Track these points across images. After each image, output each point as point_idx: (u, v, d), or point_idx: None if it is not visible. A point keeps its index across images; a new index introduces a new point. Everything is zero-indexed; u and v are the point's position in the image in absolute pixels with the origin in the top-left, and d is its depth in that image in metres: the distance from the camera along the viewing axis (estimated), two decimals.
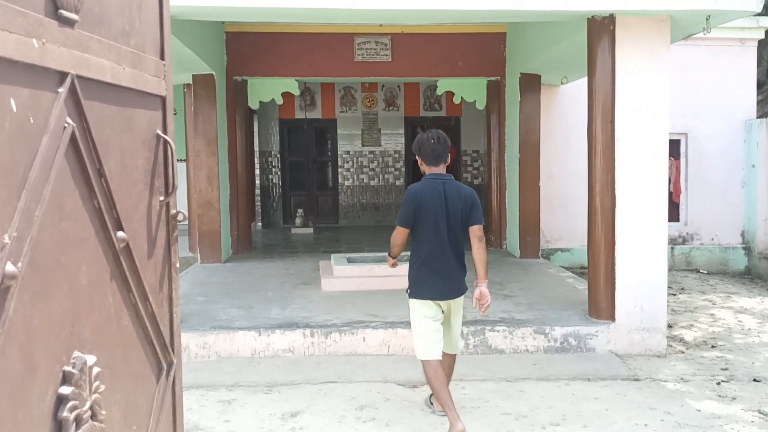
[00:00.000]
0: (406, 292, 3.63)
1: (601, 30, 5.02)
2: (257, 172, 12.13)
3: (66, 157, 1.38)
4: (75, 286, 1.41)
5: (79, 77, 1.41)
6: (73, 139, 1.39)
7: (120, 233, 1.57)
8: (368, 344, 4.99)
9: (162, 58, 1.87)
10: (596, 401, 4.16)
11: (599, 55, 5.07)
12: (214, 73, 7.83)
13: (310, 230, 11.32)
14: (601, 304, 5.19)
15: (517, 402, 4.12)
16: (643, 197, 5.09)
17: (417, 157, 3.64)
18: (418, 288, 3.53)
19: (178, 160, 9.56)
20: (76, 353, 1.40)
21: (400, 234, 3.55)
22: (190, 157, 8.33)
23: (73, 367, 1.37)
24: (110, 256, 1.56)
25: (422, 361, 3.53)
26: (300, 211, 11.53)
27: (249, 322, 5.23)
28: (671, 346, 5.39)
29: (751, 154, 9.07)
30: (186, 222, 9.83)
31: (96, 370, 1.45)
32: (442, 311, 3.57)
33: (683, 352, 5.32)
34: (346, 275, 6.41)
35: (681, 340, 5.67)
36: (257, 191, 12.14)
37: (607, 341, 5.10)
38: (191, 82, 7.95)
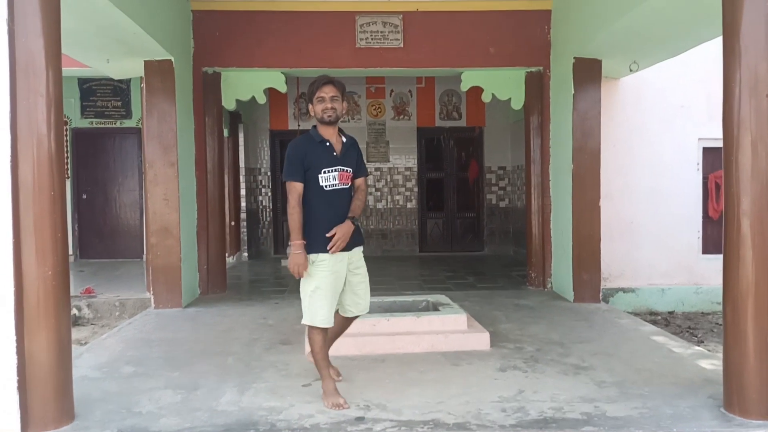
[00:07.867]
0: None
1: None
2: (243, 192, 10.22)
3: None
4: None
5: None
6: None
7: None
8: None
9: None
10: None
11: None
12: (172, 59, 5.98)
13: None
14: (749, 395, 3.19)
15: None
16: None
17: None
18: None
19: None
20: None
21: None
22: (145, 169, 6.44)
23: None
24: None
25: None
26: None
27: (182, 418, 3.26)
28: None
29: None
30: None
31: None
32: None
33: None
34: None
35: None
36: (243, 215, 10.22)
37: None
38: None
